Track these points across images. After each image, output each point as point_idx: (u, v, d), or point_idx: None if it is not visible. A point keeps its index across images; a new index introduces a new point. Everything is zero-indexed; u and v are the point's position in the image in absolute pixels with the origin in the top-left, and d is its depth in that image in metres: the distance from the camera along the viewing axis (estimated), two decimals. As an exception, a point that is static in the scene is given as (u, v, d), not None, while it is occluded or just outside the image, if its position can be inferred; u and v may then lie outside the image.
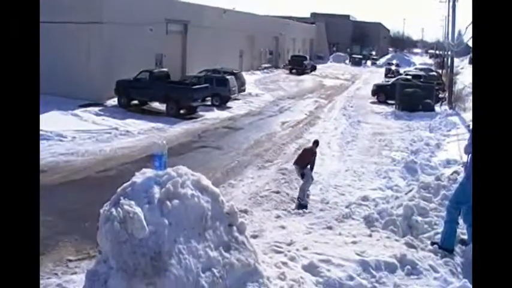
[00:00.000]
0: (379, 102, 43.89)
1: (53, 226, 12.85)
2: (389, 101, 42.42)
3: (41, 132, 22.91)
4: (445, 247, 9.35)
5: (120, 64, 33.68)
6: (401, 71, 68.52)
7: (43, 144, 22.01)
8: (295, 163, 16.91)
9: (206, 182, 7.56)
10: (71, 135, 24.28)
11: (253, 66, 63.51)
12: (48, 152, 21.00)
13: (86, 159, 20.62)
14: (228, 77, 37.78)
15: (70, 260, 11.12)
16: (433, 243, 9.69)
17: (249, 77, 50.64)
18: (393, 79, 49.25)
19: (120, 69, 33.23)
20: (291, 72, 68.41)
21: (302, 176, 16.25)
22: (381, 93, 45.08)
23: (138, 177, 7.31)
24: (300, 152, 18.25)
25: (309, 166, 16.56)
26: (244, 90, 42.35)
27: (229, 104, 36.55)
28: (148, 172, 7.50)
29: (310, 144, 17.73)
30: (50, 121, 25.61)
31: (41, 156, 19.77)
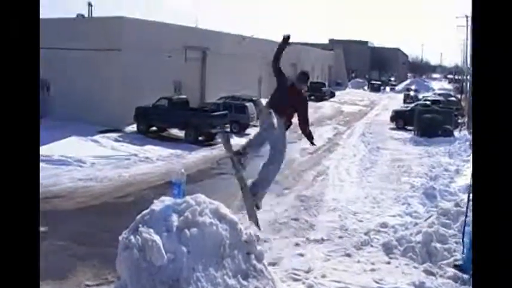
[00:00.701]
0: (398, 128, 43.82)
1: (71, 251, 12.92)
2: (408, 127, 42.31)
3: (60, 158, 23.36)
4: (468, 272, 9.27)
5: (139, 91, 33.93)
6: (420, 96, 68.40)
7: (62, 170, 22.33)
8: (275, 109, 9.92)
9: (224, 210, 7.60)
10: (90, 161, 24.53)
11: (271, 93, 63.56)
12: (67, 178, 21.25)
13: (104, 185, 20.73)
14: (247, 103, 37.88)
15: (88, 286, 11.14)
16: (455, 266, 9.64)
17: (268, 104, 50.70)
18: (412, 105, 49.20)
19: (139, 95, 33.49)
20: (309, 99, 68.41)
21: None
22: (400, 119, 45.04)
23: (157, 205, 7.35)
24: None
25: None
26: (263, 117, 42.35)
27: (248, 130, 36.56)
28: (167, 200, 7.54)
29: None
30: (69, 147, 25.98)
31: (59, 182, 20.15)
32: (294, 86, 10.20)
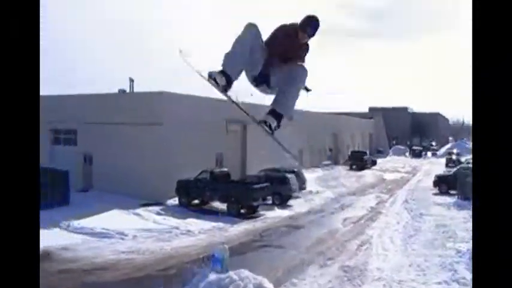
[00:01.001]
0: (441, 193, 43.35)
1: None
2: (452, 191, 41.81)
3: (102, 231, 23.84)
4: None
5: (180, 164, 34.25)
6: (463, 159, 67.82)
7: (105, 242, 22.66)
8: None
9: (268, 285, 7.57)
10: (132, 233, 24.79)
11: (313, 164, 63.64)
12: (109, 250, 21.55)
13: (146, 258, 20.82)
14: (289, 175, 37.85)
15: None
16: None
17: (310, 175, 50.65)
18: (454, 169, 48.72)
19: (181, 168, 33.79)
20: (351, 168, 68.30)
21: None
22: (443, 184, 44.61)
23: (200, 280, 7.35)
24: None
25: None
26: (304, 188, 42.30)
27: (290, 202, 36.47)
28: (210, 274, 7.53)
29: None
30: (112, 219, 26.40)
31: (102, 254, 20.50)
32: (298, 37, 6.81)
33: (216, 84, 6.76)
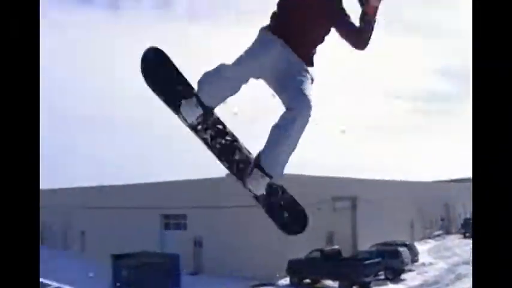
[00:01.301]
0: None
1: None
2: None
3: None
4: None
5: (290, 244, 34.30)
6: None
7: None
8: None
9: None
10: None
11: (425, 235, 62.39)
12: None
13: None
14: (400, 249, 37.28)
15: None
16: None
17: (422, 247, 49.67)
18: None
19: (291, 249, 33.82)
20: (464, 237, 66.40)
21: None
22: None
23: None
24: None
25: None
26: (417, 261, 41.45)
27: (403, 276, 35.79)
28: None
29: None
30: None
31: None
32: None
33: (184, 121, 4.69)
